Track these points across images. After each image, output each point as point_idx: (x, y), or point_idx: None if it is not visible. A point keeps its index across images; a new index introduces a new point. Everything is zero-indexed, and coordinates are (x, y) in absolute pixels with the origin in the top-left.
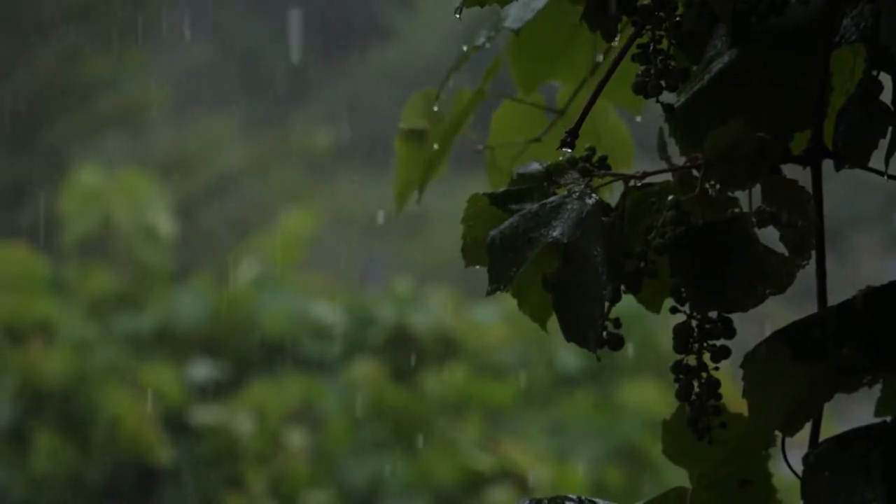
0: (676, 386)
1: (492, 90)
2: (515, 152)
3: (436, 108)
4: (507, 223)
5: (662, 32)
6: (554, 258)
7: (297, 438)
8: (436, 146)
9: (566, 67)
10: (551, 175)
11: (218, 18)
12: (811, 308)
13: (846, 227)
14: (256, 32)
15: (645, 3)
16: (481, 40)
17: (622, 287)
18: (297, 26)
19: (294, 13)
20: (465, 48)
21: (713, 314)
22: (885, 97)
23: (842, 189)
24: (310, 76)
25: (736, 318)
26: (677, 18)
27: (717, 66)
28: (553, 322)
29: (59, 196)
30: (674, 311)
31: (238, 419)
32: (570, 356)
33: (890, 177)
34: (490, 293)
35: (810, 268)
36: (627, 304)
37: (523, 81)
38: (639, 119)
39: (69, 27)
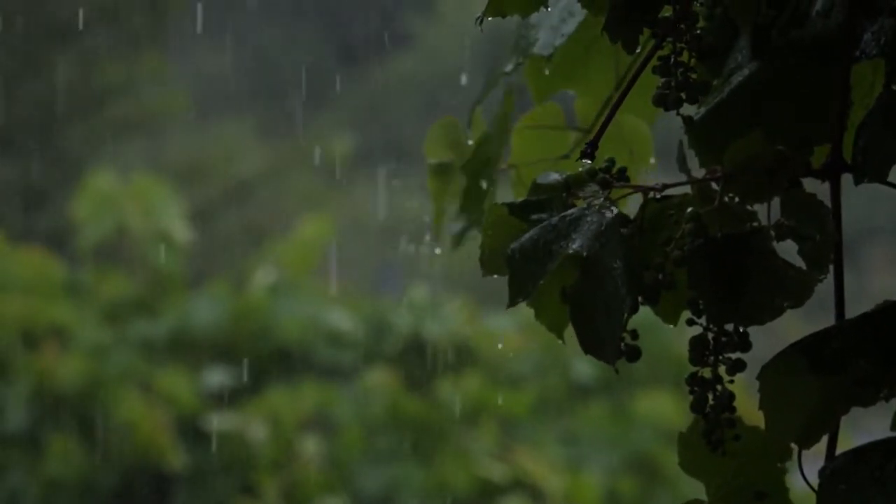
0: (691, 398)
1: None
2: (545, 170)
3: (470, 142)
4: (526, 236)
5: (683, 45)
6: (573, 270)
7: (311, 446)
8: (484, 184)
9: (585, 78)
10: (570, 186)
11: (235, 25)
12: (826, 320)
13: (860, 239)
14: (274, 39)
15: (666, 15)
16: (509, 67)
17: (640, 299)
18: (315, 34)
19: (313, 20)
20: (491, 72)
21: (730, 327)
22: None
23: (856, 201)
24: (327, 83)
25: (751, 330)
26: (698, 31)
27: (737, 79)
28: (570, 332)
29: (75, 201)
30: (690, 323)
31: (252, 426)
32: (584, 366)
33: None
34: (511, 305)
35: (826, 280)
36: (641, 314)
37: (538, 91)
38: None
39: (87, 32)
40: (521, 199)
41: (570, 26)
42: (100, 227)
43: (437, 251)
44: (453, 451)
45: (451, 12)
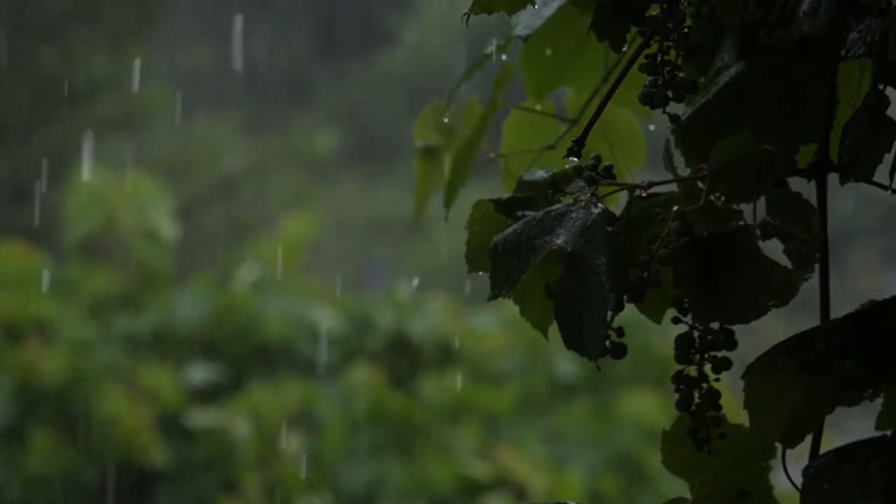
0: (677, 396)
1: (503, 99)
2: (531, 159)
3: (446, 120)
4: (510, 229)
5: (670, 43)
6: (557, 266)
7: (294, 443)
8: (449, 160)
9: (577, 74)
10: (557, 183)
11: (221, 21)
12: (809, 321)
13: (845, 240)
14: (259, 37)
15: (654, 14)
16: (491, 49)
17: (625, 297)
18: (300, 30)
19: (297, 17)
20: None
21: (715, 325)
22: (892, 112)
23: (841, 202)
24: (312, 80)
25: (734, 329)
26: (685, 30)
27: (724, 78)
28: (554, 329)
29: (61, 196)
30: (676, 321)
31: (235, 422)
32: (568, 364)
33: (894, 191)
34: (491, 299)
35: (809, 281)
36: (624, 313)
37: (534, 89)
38: (652, 127)
39: (71, 28)
40: (507, 193)
41: (551, 9)
42: (87, 223)
43: (414, 223)
44: (436, 449)
45: (434, 10)
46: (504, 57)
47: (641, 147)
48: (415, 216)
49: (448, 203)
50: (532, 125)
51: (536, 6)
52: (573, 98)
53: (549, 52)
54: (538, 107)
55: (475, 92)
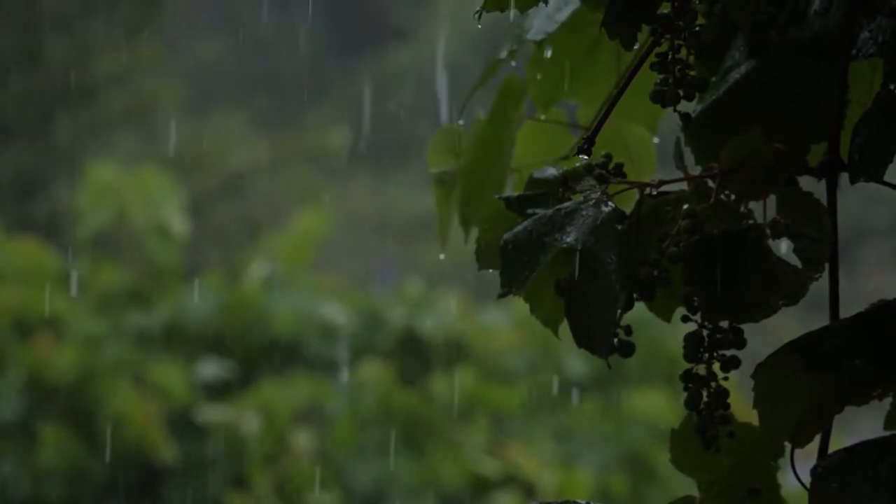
0: (686, 395)
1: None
2: None
3: (461, 122)
4: (520, 227)
5: (681, 42)
6: (567, 264)
7: (303, 439)
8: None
9: (588, 84)
10: (567, 181)
11: (233, 16)
12: (819, 321)
13: (854, 239)
14: (271, 32)
15: (665, 11)
16: (503, 54)
17: (635, 295)
18: (312, 26)
19: (309, 13)
20: (488, 61)
21: (724, 324)
22: None
23: (851, 202)
24: (324, 76)
25: (744, 329)
26: (696, 28)
27: (734, 77)
28: (564, 328)
29: (72, 191)
30: (685, 319)
31: (245, 419)
32: (577, 363)
33: None
34: (502, 296)
35: (819, 281)
36: (634, 311)
37: (542, 99)
38: (656, 140)
39: (83, 22)
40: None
41: (564, 14)
42: (98, 218)
43: (442, 256)
44: (446, 446)
45: (447, 7)
46: (513, 63)
47: (652, 158)
48: (440, 243)
49: (465, 226)
50: (546, 136)
51: (550, 9)
52: (585, 113)
53: (556, 61)
54: (542, 116)
55: (486, 93)
